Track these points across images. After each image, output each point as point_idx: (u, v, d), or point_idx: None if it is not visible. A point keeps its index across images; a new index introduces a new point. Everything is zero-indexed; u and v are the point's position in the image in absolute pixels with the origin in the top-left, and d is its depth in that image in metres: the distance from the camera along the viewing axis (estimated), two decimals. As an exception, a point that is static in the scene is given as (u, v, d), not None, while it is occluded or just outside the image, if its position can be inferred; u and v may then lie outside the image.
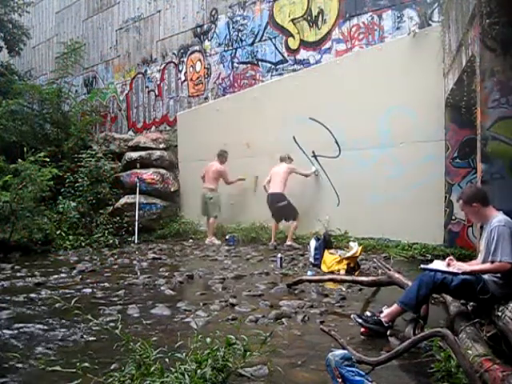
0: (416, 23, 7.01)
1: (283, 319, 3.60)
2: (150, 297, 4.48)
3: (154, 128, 11.50)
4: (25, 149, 7.95)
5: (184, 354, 2.31)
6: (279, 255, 5.93)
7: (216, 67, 10.05)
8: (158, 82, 11.46)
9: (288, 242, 7.36)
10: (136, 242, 8.67)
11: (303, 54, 8.50)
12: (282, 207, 7.45)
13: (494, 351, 2.47)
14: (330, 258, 5.49)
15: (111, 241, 8.32)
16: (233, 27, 9.68)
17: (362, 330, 3.30)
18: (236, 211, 8.68)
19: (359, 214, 7.03)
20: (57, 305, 3.88)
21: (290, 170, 7.59)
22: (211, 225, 8.41)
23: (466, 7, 4.24)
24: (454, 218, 6.17)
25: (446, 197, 6.21)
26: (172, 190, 9.77)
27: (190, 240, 8.63)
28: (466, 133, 5.94)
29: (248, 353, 2.33)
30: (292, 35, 8.67)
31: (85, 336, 3.29)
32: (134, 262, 6.60)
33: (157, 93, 11.50)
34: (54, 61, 12.76)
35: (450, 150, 6.18)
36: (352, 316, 3.41)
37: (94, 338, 3.24)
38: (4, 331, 3.41)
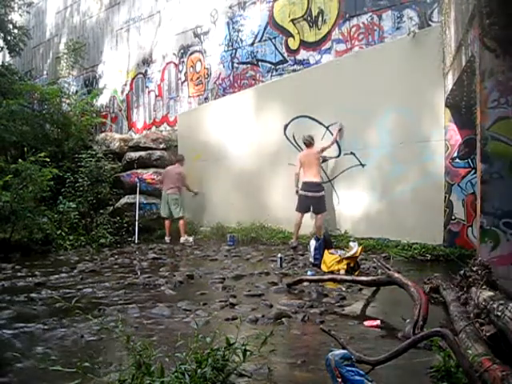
0: (416, 23, 7.02)
1: (283, 319, 3.60)
2: (150, 297, 4.48)
3: (154, 128, 11.52)
4: (25, 149, 7.95)
5: (184, 354, 2.31)
6: (279, 255, 5.93)
7: (216, 67, 10.06)
8: (158, 82, 11.48)
9: None
10: (136, 241, 8.68)
11: (303, 55, 8.52)
12: (319, 198, 7.06)
13: (494, 351, 2.47)
14: (330, 258, 5.49)
15: (111, 241, 8.33)
16: (233, 27, 9.69)
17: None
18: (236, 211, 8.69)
19: (359, 214, 7.03)
20: (57, 304, 3.88)
21: (320, 152, 7.14)
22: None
23: (466, 7, 4.24)
24: (453, 217, 6.17)
25: (445, 197, 6.22)
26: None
27: (191, 240, 8.61)
28: (465, 133, 5.94)
29: (248, 353, 2.34)
30: (292, 35, 8.68)
31: (85, 336, 3.29)
32: (135, 262, 6.60)
33: (157, 93, 11.51)
34: (54, 61, 12.77)
35: (449, 150, 6.18)
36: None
37: (94, 338, 3.24)
38: (4, 331, 3.41)
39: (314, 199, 7.07)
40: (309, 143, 7.28)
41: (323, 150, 7.23)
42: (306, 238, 7.21)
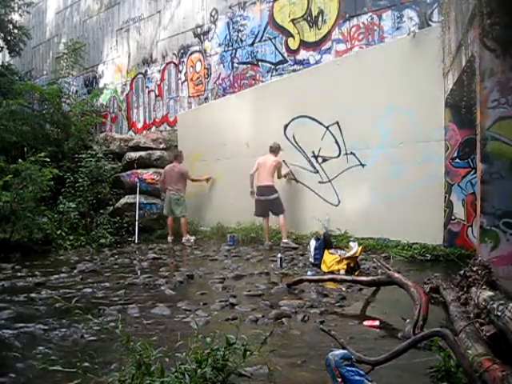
0: (416, 23, 7.02)
1: (283, 319, 3.60)
2: (150, 297, 4.49)
3: (154, 128, 11.52)
4: (25, 149, 7.95)
5: (184, 354, 2.32)
6: (279, 255, 5.93)
7: (216, 67, 10.06)
8: (159, 83, 11.48)
9: (284, 240, 7.31)
10: (136, 241, 8.68)
11: (303, 55, 8.52)
12: (272, 200, 7.35)
13: (494, 351, 2.47)
14: (330, 258, 5.49)
15: (111, 241, 8.33)
16: (233, 27, 9.69)
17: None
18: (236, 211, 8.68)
19: (359, 214, 7.03)
20: (57, 304, 3.87)
21: (278, 164, 7.50)
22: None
23: (466, 7, 4.25)
24: (453, 217, 6.17)
25: (445, 197, 6.21)
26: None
27: (192, 240, 8.61)
28: (465, 133, 5.94)
29: (248, 353, 2.34)
30: (292, 35, 8.68)
31: (85, 336, 3.29)
32: (135, 262, 6.60)
33: (157, 93, 11.51)
34: (54, 61, 12.78)
35: (449, 150, 6.18)
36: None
37: (94, 338, 3.25)
38: (4, 331, 3.41)
39: (267, 202, 7.36)
40: (273, 150, 7.54)
41: (279, 166, 7.52)
42: (305, 238, 7.22)
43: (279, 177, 7.66)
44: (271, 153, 7.59)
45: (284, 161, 8.04)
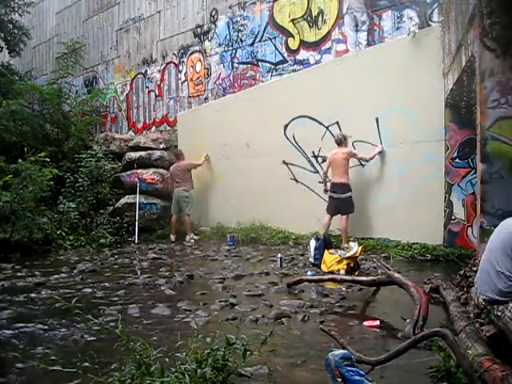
0: (416, 23, 7.01)
1: (283, 319, 3.60)
2: (150, 297, 4.49)
3: (154, 128, 11.52)
4: (25, 149, 7.96)
5: (184, 354, 2.32)
6: (279, 255, 5.93)
7: (216, 67, 10.06)
8: (159, 83, 11.48)
9: (345, 245, 6.60)
10: (136, 241, 8.67)
11: (303, 55, 8.51)
12: (346, 199, 6.84)
13: (494, 351, 2.47)
14: (330, 258, 5.49)
15: (111, 240, 8.33)
16: (233, 27, 9.69)
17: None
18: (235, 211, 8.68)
19: (359, 214, 7.02)
20: (57, 305, 3.86)
21: (350, 155, 6.88)
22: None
23: (466, 7, 4.25)
24: (453, 217, 6.17)
25: (445, 197, 6.21)
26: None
27: (192, 240, 8.62)
28: (465, 133, 5.94)
29: (248, 353, 2.34)
30: (292, 35, 8.68)
31: (85, 336, 3.29)
32: (135, 262, 6.61)
33: (157, 93, 11.51)
34: (54, 61, 12.77)
35: (449, 150, 6.18)
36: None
37: (94, 338, 3.25)
38: (4, 331, 3.41)
39: (339, 200, 6.85)
40: (340, 142, 6.99)
41: (353, 156, 6.97)
42: (305, 238, 7.21)
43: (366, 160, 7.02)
44: (339, 146, 7.00)
45: (284, 161, 8.06)
